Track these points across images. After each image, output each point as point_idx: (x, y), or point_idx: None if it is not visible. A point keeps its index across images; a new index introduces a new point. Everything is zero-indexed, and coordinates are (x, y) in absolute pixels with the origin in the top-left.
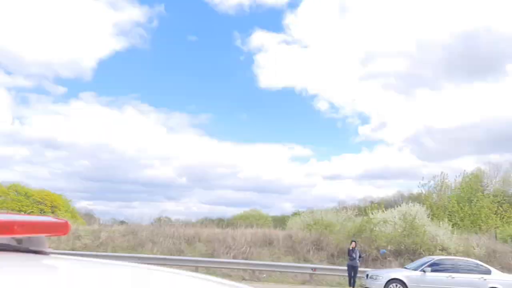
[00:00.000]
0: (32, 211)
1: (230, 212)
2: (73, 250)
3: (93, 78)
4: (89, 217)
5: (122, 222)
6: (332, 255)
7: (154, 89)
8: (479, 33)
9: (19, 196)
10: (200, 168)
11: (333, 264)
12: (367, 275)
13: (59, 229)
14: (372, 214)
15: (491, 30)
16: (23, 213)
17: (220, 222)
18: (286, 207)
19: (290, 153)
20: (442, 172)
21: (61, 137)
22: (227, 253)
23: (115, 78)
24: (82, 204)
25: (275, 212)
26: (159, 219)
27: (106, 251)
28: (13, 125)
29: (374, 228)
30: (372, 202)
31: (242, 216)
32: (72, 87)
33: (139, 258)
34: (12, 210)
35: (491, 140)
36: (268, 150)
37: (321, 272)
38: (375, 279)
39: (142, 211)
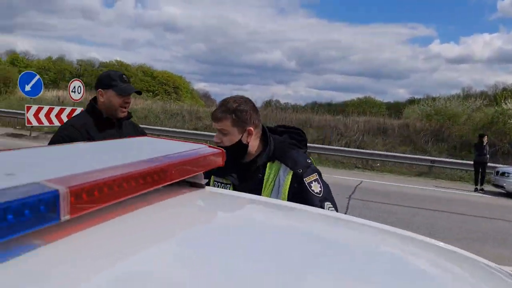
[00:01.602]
0: (157, 91)
1: (339, 97)
2: (195, 130)
3: None
4: (206, 98)
5: None
6: (454, 148)
7: None
8: None
9: (146, 77)
10: (309, 51)
11: (455, 157)
12: (497, 172)
13: (216, 160)
14: (506, 104)
15: None
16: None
17: (331, 109)
18: (400, 93)
19: (409, 34)
20: None
21: (180, 21)
22: (338, 141)
23: None
24: (199, 86)
25: (388, 98)
26: (269, 102)
27: None
28: (136, 8)
29: (508, 120)
30: (504, 89)
31: (354, 103)
32: None
33: None
34: (141, 89)
35: None
36: (384, 31)
37: (441, 165)
38: (507, 176)
39: (253, 94)
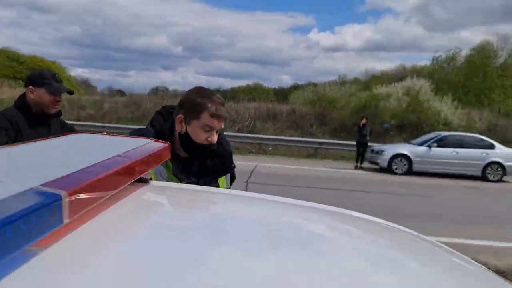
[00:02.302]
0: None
1: (227, 83)
2: (78, 120)
3: None
4: (86, 85)
5: (119, 92)
6: (336, 130)
7: None
8: None
9: (11, 62)
10: (195, 37)
11: (336, 138)
12: (372, 150)
13: (164, 154)
14: (376, 89)
15: None
16: (105, 133)
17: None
18: (284, 79)
19: (291, 23)
20: (456, 46)
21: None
22: (231, 127)
23: None
24: (77, 72)
25: (273, 84)
26: (156, 89)
27: (110, 123)
28: None
29: (379, 104)
30: (374, 76)
31: (244, 89)
32: None
33: None
34: (6, 76)
35: (503, 8)
36: (267, 19)
37: (327, 146)
38: (380, 154)
39: (138, 80)
